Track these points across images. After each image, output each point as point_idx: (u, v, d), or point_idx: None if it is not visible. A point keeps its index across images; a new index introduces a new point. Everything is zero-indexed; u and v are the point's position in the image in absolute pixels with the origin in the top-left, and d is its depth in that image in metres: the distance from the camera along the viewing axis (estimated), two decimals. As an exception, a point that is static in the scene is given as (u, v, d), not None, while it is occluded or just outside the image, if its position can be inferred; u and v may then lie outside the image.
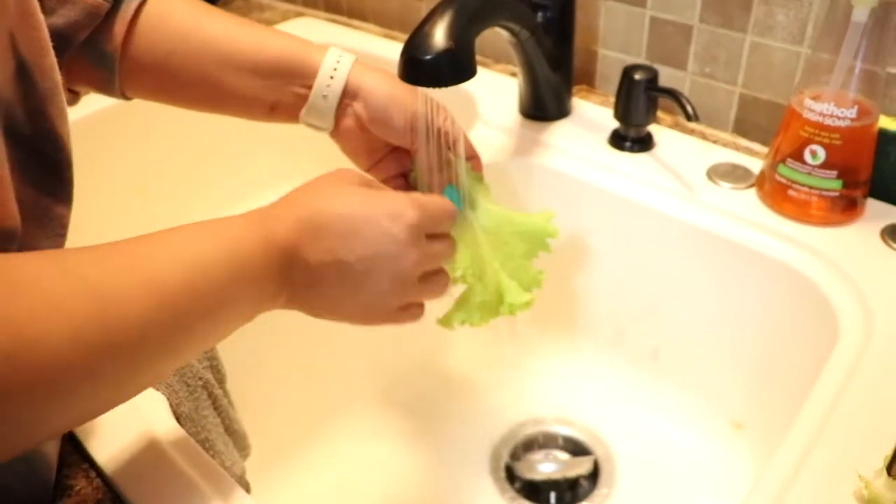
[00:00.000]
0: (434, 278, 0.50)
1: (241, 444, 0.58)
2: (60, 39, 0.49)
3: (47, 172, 0.39)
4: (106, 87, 0.55)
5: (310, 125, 0.58)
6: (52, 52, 0.38)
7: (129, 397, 0.36)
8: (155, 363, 0.36)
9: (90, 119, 0.86)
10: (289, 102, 0.57)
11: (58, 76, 0.38)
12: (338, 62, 0.56)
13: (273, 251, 0.42)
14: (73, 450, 0.47)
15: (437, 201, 0.49)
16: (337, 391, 0.72)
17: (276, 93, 0.56)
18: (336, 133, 0.58)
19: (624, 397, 0.77)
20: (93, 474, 0.46)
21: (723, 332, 0.70)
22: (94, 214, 0.88)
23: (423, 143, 0.54)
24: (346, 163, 0.61)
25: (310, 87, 0.56)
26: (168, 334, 0.36)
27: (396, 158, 0.58)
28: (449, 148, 0.54)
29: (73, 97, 0.56)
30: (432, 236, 0.48)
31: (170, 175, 0.96)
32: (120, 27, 0.52)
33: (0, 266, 0.30)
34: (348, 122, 0.57)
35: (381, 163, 0.59)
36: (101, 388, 0.33)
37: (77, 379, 0.31)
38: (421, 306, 0.50)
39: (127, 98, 0.57)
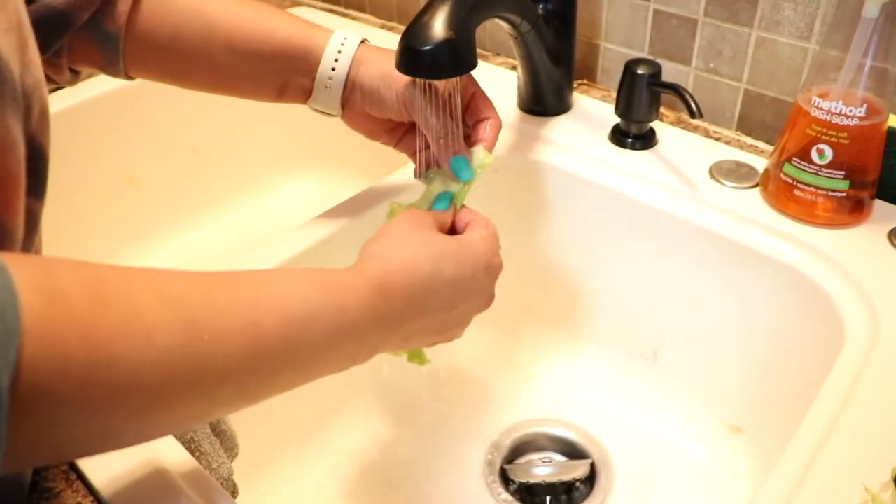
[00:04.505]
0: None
1: (228, 445, 0.56)
2: (61, 20, 0.49)
3: (27, 168, 0.38)
4: (110, 68, 0.55)
5: (318, 111, 0.59)
6: (34, 48, 0.37)
7: (197, 426, 0.35)
8: (233, 401, 0.36)
9: (78, 109, 0.85)
10: (296, 89, 0.57)
11: (40, 72, 0.37)
12: (339, 52, 0.56)
13: (380, 323, 0.42)
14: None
15: (488, 230, 0.51)
16: (328, 391, 0.70)
17: (283, 78, 0.57)
18: (345, 119, 0.59)
19: (622, 399, 0.75)
20: (73, 477, 0.44)
21: (724, 334, 0.69)
22: (82, 206, 0.87)
23: (421, 114, 0.53)
24: (339, 146, 0.61)
25: (314, 77, 0.56)
26: (254, 377, 0.35)
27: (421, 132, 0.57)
28: (451, 117, 0.53)
29: (74, 77, 0.56)
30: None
31: (161, 165, 0.95)
32: (123, 6, 0.52)
33: (96, 276, 0.30)
34: (353, 108, 0.58)
35: (405, 139, 0.60)
36: (172, 415, 0.33)
37: (149, 403, 0.31)
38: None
39: (130, 78, 0.57)
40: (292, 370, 0.38)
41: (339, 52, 0.56)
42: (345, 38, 0.56)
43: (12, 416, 0.26)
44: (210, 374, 0.33)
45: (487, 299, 0.50)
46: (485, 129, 0.55)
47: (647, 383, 0.75)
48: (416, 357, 0.56)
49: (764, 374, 0.67)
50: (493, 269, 0.49)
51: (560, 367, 0.79)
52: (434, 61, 0.50)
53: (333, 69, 0.56)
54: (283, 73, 0.56)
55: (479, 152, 0.55)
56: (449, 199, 0.53)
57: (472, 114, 0.56)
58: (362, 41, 0.57)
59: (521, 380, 0.78)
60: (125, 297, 0.30)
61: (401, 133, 0.60)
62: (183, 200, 0.97)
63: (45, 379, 0.27)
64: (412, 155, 0.59)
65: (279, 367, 0.36)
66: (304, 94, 0.57)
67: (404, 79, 0.54)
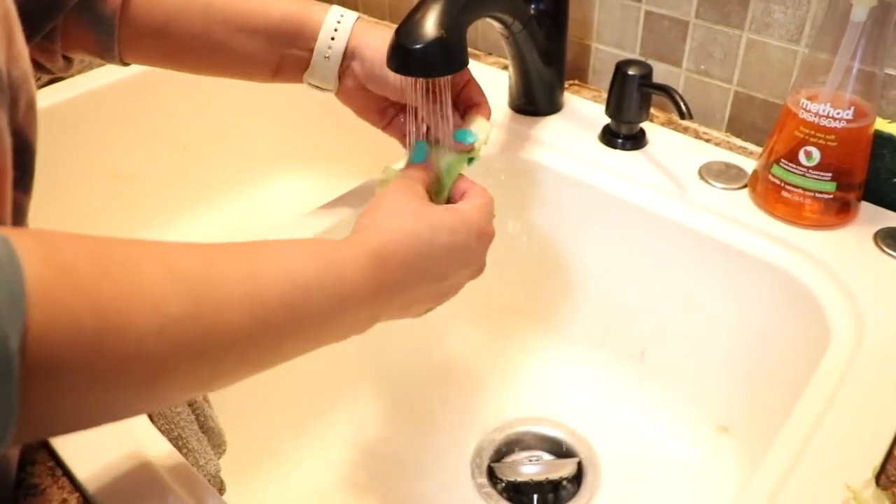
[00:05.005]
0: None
1: (216, 442, 0.57)
2: (53, 2, 0.49)
3: (14, 161, 0.38)
4: (104, 53, 0.55)
5: (313, 86, 0.59)
6: (21, 40, 0.37)
7: (205, 393, 0.35)
8: (236, 370, 0.36)
9: (68, 105, 0.85)
10: (292, 63, 0.57)
11: (27, 65, 0.37)
12: (339, 22, 0.56)
13: (380, 292, 0.43)
14: (39, 447, 0.46)
15: (483, 199, 0.51)
16: (317, 389, 0.71)
17: (280, 54, 0.57)
18: (340, 93, 0.59)
19: (610, 398, 0.76)
20: (59, 473, 0.44)
21: (711, 334, 0.69)
22: (72, 202, 0.87)
23: (409, 97, 0.54)
24: (332, 143, 0.61)
25: (311, 49, 0.56)
26: (256, 347, 0.36)
27: (413, 112, 0.57)
28: (441, 111, 0.54)
29: (67, 65, 0.56)
30: None
31: (152, 162, 0.95)
32: None
33: (97, 250, 0.30)
34: (349, 81, 0.58)
35: (394, 122, 0.60)
36: (179, 384, 0.33)
37: (157, 372, 0.31)
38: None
39: (125, 64, 0.57)
40: (295, 338, 0.38)
41: (339, 21, 0.56)
42: (342, 13, 0.57)
43: (24, 383, 0.26)
44: (215, 343, 0.33)
45: (479, 267, 0.51)
46: (476, 111, 0.56)
47: (635, 383, 0.76)
48: None
49: (751, 373, 0.67)
50: (485, 238, 0.50)
51: (549, 366, 0.79)
52: (425, 60, 0.50)
53: (333, 38, 0.56)
54: (280, 49, 0.56)
55: (480, 122, 0.56)
56: (423, 149, 0.54)
57: (463, 101, 0.57)
58: (358, 17, 0.58)
59: (510, 378, 0.78)
60: (129, 268, 0.31)
61: (391, 115, 0.60)
62: (174, 198, 0.97)
63: (54, 346, 0.27)
64: (401, 138, 0.60)
65: (282, 336, 0.37)
66: (301, 68, 0.58)
67: None
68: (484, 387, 0.78)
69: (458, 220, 0.48)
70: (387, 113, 0.60)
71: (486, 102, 0.57)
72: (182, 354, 0.32)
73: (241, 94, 0.90)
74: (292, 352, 0.39)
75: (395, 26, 0.51)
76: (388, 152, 0.62)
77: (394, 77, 0.55)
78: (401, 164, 0.56)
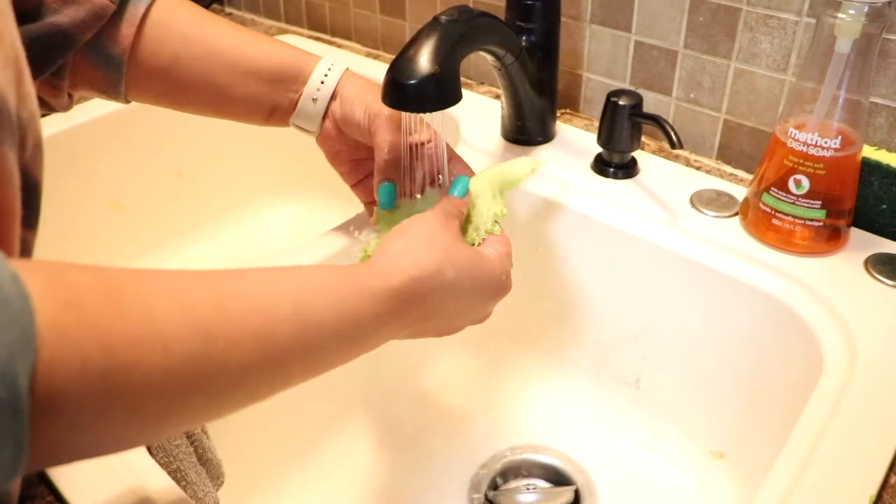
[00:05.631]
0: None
1: (214, 473, 0.57)
2: (64, 38, 0.50)
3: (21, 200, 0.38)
4: (111, 90, 0.56)
5: (298, 128, 0.60)
6: (30, 81, 0.38)
7: (205, 423, 0.36)
8: (244, 403, 0.36)
9: (63, 135, 0.86)
10: (286, 107, 0.59)
11: (35, 105, 0.38)
12: (329, 69, 0.58)
13: (394, 325, 0.44)
14: (38, 481, 0.46)
15: (506, 248, 0.53)
16: (313, 418, 0.71)
17: (276, 97, 0.58)
18: (320, 137, 0.60)
19: (605, 425, 0.76)
20: (58, 507, 0.44)
21: (705, 361, 0.70)
22: (67, 231, 0.87)
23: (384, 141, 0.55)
24: (326, 172, 0.63)
25: (300, 93, 0.58)
26: (265, 381, 0.36)
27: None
28: (417, 158, 0.56)
29: (69, 102, 0.57)
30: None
31: (148, 191, 0.95)
32: (128, 30, 0.53)
33: (108, 284, 0.30)
34: (328, 123, 0.59)
35: (365, 183, 0.61)
36: (186, 418, 0.34)
37: (165, 408, 0.32)
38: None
39: (128, 102, 0.58)
40: (302, 373, 0.39)
41: (329, 68, 0.58)
42: (333, 62, 0.59)
43: (34, 419, 0.26)
44: (224, 381, 0.34)
45: (485, 316, 0.53)
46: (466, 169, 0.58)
47: (631, 410, 0.76)
48: None
49: (746, 400, 0.68)
50: (501, 293, 0.52)
51: (544, 394, 0.79)
52: (420, 95, 0.51)
53: (322, 82, 0.58)
54: (276, 93, 0.58)
55: (522, 162, 0.58)
56: (466, 185, 0.54)
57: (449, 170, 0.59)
58: (347, 68, 0.60)
59: (506, 407, 0.78)
60: (140, 304, 0.31)
61: (362, 174, 0.61)
62: (169, 226, 0.98)
63: (63, 383, 0.27)
64: (367, 204, 0.62)
65: (292, 372, 0.38)
66: (289, 112, 0.59)
67: (378, 105, 0.55)
68: (480, 415, 0.78)
69: (483, 268, 0.49)
70: (357, 170, 0.61)
71: (466, 164, 0.59)
72: (190, 391, 0.32)
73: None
74: (299, 382, 0.39)
75: (380, 84, 0.53)
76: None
77: (359, 115, 0.56)
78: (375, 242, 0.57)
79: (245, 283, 0.37)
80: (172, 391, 0.31)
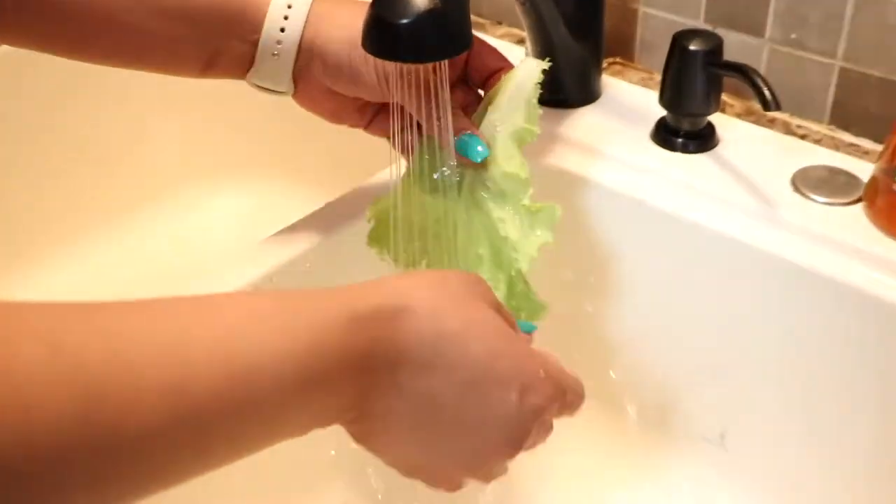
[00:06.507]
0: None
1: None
2: None
3: None
4: None
5: (262, 88, 0.61)
6: None
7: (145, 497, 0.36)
8: (161, 474, 0.36)
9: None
10: (229, 59, 0.60)
11: None
12: (289, 7, 0.58)
13: (360, 370, 0.42)
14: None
15: (577, 384, 0.52)
16: (301, 470, 0.71)
17: (213, 45, 0.59)
18: (299, 97, 0.62)
19: (679, 501, 0.75)
20: None
21: (819, 410, 0.69)
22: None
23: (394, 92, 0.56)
24: (283, 148, 0.63)
25: (255, 41, 0.59)
26: (181, 452, 0.36)
27: (398, 109, 0.59)
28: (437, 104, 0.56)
29: None
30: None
31: (28, 172, 0.95)
32: None
33: None
34: (309, 84, 0.60)
35: (378, 118, 0.63)
36: (98, 490, 0.34)
37: (30, 494, 0.31)
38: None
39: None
40: (230, 442, 0.38)
41: (290, 6, 0.58)
42: None
43: None
44: (117, 455, 0.33)
45: (515, 439, 0.48)
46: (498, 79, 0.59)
47: (713, 478, 0.76)
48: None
49: (875, 463, 0.67)
50: (534, 399, 0.47)
51: (589, 447, 0.78)
52: (414, 39, 0.51)
53: (283, 29, 0.58)
54: (212, 38, 0.59)
55: (528, 62, 0.59)
56: (529, 329, 0.56)
57: (476, 73, 0.60)
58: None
59: (541, 471, 0.77)
60: (20, 364, 0.30)
61: (372, 113, 0.63)
62: (58, 222, 0.97)
63: None
64: (388, 136, 0.62)
65: (214, 438, 0.37)
66: (242, 64, 0.60)
67: None
68: (510, 483, 0.77)
69: (527, 365, 0.47)
70: (366, 110, 0.62)
71: (510, 66, 0.59)
72: (71, 469, 0.31)
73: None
74: (230, 455, 0.39)
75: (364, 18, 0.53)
76: (356, 155, 0.64)
77: (368, 75, 0.57)
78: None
79: (146, 316, 0.36)
80: (39, 470, 0.30)
